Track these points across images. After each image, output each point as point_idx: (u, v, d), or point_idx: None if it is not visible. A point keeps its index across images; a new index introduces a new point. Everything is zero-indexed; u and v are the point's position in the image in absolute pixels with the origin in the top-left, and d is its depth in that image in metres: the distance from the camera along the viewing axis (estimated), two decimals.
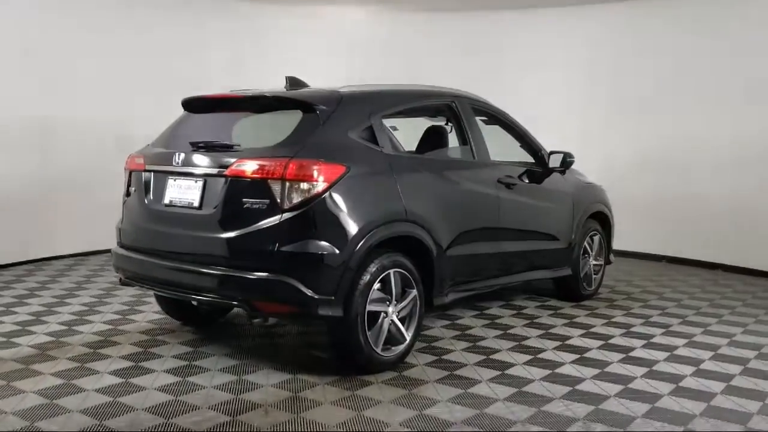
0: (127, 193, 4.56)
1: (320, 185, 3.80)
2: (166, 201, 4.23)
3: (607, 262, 6.64)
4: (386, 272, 4.11)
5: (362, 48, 9.65)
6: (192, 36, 8.64)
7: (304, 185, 3.78)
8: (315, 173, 3.79)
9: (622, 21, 8.84)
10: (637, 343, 4.92)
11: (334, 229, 3.84)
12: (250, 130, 4.32)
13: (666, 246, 8.73)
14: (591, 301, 6.24)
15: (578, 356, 4.58)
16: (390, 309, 4.16)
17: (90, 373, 4.09)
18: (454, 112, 5.03)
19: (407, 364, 4.32)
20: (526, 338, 4.97)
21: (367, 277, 3.98)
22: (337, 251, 3.81)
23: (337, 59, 9.45)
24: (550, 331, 5.18)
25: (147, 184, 4.38)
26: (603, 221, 6.50)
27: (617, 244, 8.84)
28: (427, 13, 9.59)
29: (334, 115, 4.11)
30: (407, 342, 4.28)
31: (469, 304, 5.89)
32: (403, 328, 4.25)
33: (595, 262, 6.35)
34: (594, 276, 6.37)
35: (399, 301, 4.23)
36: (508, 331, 5.14)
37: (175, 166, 4.19)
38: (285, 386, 3.92)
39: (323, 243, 3.79)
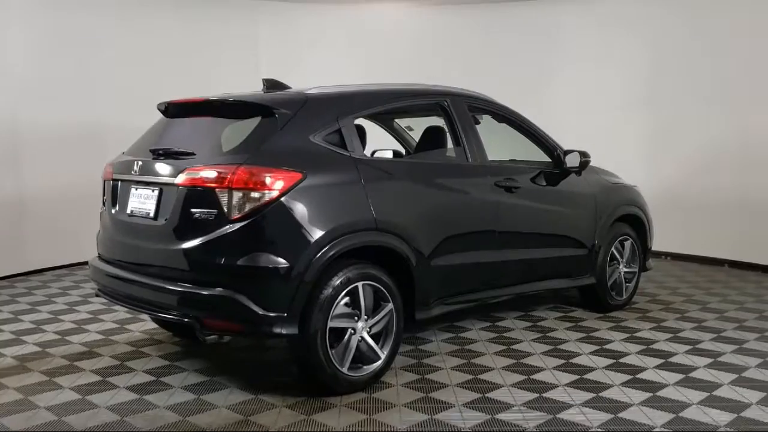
0: (103, 203, 4.47)
1: (270, 194, 3.55)
2: (128, 211, 4.09)
3: (643, 269, 6.08)
4: (354, 285, 3.82)
5: (404, 43, 9.35)
6: (203, 36, 8.63)
7: (253, 194, 3.54)
8: (264, 181, 3.55)
9: (688, 12, 8.22)
10: (651, 362, 4.41)
11: (286, 240, 3.58)
12: (218, 136, 4.10)
13: (732, 249, 8.02)
14: (621, 312, 5.72)
15: (578, 377, 4.14)
16: (359, 325, 3.86)
17: (52, 388, 3.99)
18: (446, 111, 4.67)
19: (383, 384, 4.02)
20: (528, 355, 4.55)
21: (328, 291, 3.70)
22: (289, 264, 3.55)
23: (368, 56, 9.20)
24: (559, 347, 4.74)
25: (114, 193, 4.26)
26: (636, 224, 5.95)
27: (679, 247, 8.33)
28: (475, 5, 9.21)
29: (296, 119, 3.85)
30: (382, 360, 3.98)
31: (483, 314, 5.51)
32: (375, 346, 3.94)
33: (626, 270, 5.82)
34: (626, 284, 5.84)
35: (370, 316, 3.92)
36: (512, 347, 4.74)
37: (133, 174, 4.05)
38: (241, 408, 3.69)
39: (272, 256, 3.54)
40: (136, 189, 4.05)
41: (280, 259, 3.53)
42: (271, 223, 3.55)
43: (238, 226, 3.53)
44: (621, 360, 4.46)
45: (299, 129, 3.83)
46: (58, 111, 7.46)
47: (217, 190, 3.56)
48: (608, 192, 5.66)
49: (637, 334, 5.06)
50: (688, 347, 4.73)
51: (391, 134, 6.16)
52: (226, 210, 3.54)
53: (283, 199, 3.57)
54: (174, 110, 4.32)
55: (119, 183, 4.23)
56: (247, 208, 3.53)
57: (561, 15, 9.04)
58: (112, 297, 4.19)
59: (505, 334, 5.03)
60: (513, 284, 4.96)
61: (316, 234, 3.64)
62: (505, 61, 9.20)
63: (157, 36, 8.26)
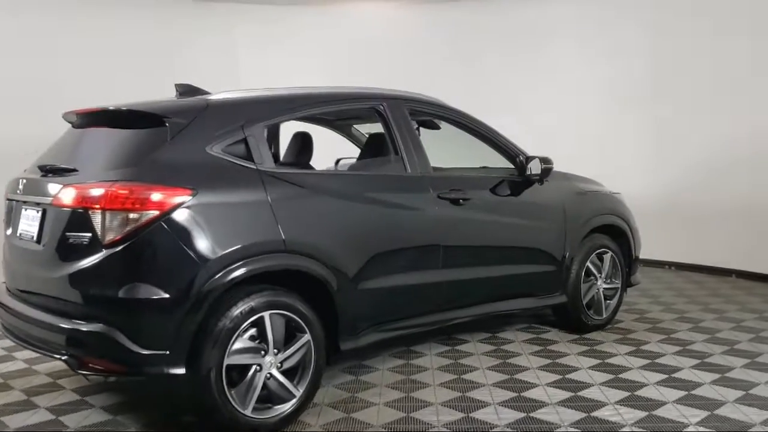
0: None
1: (148, 214, 3.12)
2: (18, 233, 3.71)
3: (628, 284, 5.52)
4: (259, 316, 3.38)
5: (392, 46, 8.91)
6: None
7: (131, 215, 3.12)
8: (142, 200, 3.12)
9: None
10: (614, 396, 3.88)
11: (166, 267, 3.16)
12: (109, 149, 3.67)
13: (742, 259, 7.41)
14: (599, 333, 5.17)
15: (525, 414, 3.63)
16: (267, 360, 3.41)
17: None
18: (382, 116, 4.20)
19: (302, 424, 3.57)
20: (476, 387, 4.06)
21: (225, 324, 3.26)
22: (168, 295, 3.12)
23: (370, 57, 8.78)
24: (515, 376, 4.23)
25: (9, 213, 3.89)
26: (618, 235, 5.40)
27: (684, 257, 7.73)
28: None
29: (190, 128, 3.42)
30: (296, 399, 3.52)
31: (447, 337, 5.02)
32: (288, 383, 3.49)
33: (606, 286, 5.27)
34: (607, 302, 5.29)
35: (282, 349, 3.47)
36: (463, 376, 4.24)
37: (18, 194, 3.68)
38: None
39: (148, 285, 3.11)
40: (25, 209, 3.67)
41: (158, 290, 3.11)
42: (148, 249, 3.13)
43: (111, 251, 3.11)
44: (580, 393, 3.94)
45: (194, 139, 3.40)
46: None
47: (90, 210, 3.15)
48: (581, 200, 5.12)
49: (610, 360, 4.52)
50: (661, 377, 4.19)
51: (352, 142, 5.72)
52: (99, 233, 3.12)
53: (164, 220, 3.14)
54: (77, 121, 3.92)
55: (13, 203, 3.85)
56: (122, 231, 3.11)
57: (550, 9, 8.51)
58: (10, 334, 3.77)
59: (460, 361, 4.53)
60: (466, 306, 4.46)
61: (205, 260, 3.20)
62: (502, 61, 8.72)
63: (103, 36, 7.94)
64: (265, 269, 3.40)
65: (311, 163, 4.58)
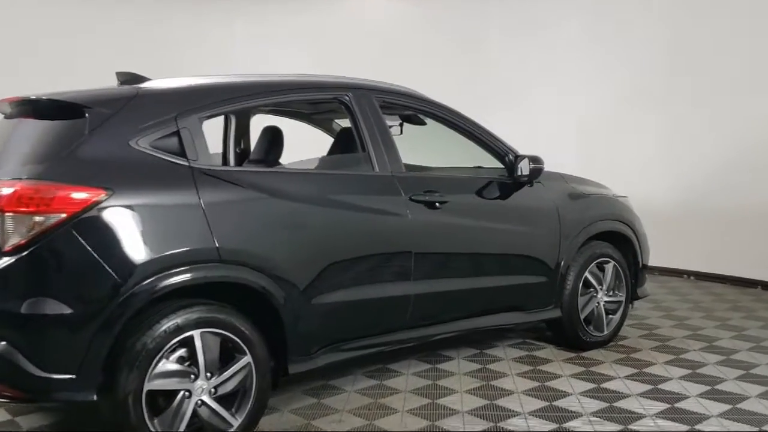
0: None
1: (55, 217, 2.72)
2: None
3: (634, 297, 4.99)
4: (188, 334, 2.95)
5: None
6: None
7: (35, 218, 2.72)
8: (47, 201, 2.72)
9: None
10: (604, 429, 3.38)
11: (73, 278, 2.76)
12: (27, 143, 3.26)
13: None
14: (599, 352, 4.66)
15: None
16: (197, 385, 2.98)
17: None
18: (348, 108, 3.75)
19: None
20: (450, 414, 3.58)
21: (144, 343, 2.85)
22: (74, 310, 2.71)
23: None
24: (496, 402, 3.75)
25: None
26: (622, 243, 4.88)
27: (705, 266, 7.16)
28: None
29: (114, 120, 3.01)
30: (235, 428, 3.08)
31: (430, 351, 4.55)
32: (224, 411, 3.05)
33: (608, 299, 4.75)
34: (609, 316, 4.78)
35: (217, 372, 3.04)
36: (437, 401, 3.77)
37: None
38: None
39: (51, 299, 2.71)
40: None
41: (61, 304, 2.70)
42: (54, 257, 2.73)
43: (12, 259, 2.71)
44: (566, 424, 3.44)
45: (116, 132, 2.99)
46: None
47: None
48: (579, 204, 4.62)
49: (606, 385, 4.02)
50: (663, 406, 3.68)
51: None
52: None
53: (73, 224, 2.73)
54: (8, 111, 3.53)
55: None
56: (25, 236, 2.70)
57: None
58: None
59: (439, 382, 4.06)
60: (442, 322, 4.00)
61: (121, 270, 2.79)
62: (506, 55, 8.23)
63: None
64: (192, 282, 2.97)
65: (281, 160, 4.18)
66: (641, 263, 4.98)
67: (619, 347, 4.77)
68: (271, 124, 4.27)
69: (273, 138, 4.17)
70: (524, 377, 4.14)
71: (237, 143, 4.68)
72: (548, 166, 4.31)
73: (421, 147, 4.65)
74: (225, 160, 4.53)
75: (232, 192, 3.16)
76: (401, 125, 4.62)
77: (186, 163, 3.08)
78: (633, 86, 7.58)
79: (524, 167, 4.16)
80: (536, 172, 4.17)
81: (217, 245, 3.02)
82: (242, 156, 4.66)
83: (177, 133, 3.10)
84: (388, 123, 4.01)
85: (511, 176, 4.23)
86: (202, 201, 3.03)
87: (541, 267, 4.35)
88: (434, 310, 3.92)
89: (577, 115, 7.91)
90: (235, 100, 3.46)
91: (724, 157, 7.01)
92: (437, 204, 3.81)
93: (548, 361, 4.46)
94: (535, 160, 4.15)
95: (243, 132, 4.70)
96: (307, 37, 8.56)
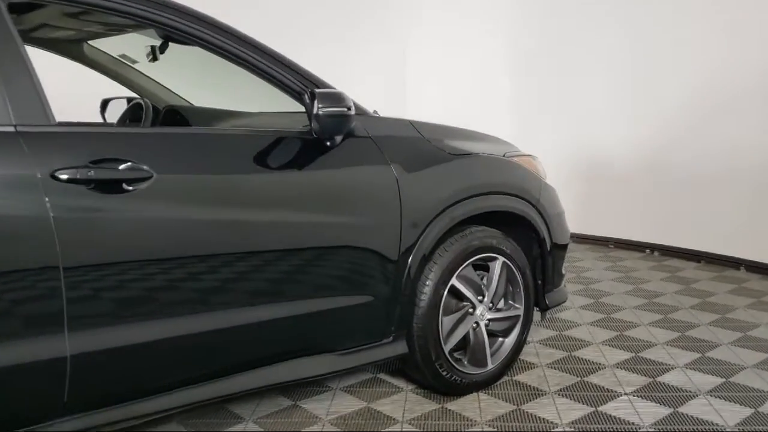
0: None
1: None
2: None
3: (542, 306, 3.34)
4: None
5: None
6: None
7: None
8: None
9: None
10: None
11: None
12: None
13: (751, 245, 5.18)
14: (478, 397, 3.02)
15: None
16: None
17: None
18: None
19: None
20: None
21: None
22: None
23: None
24: None
25: None
26: (520, 228, 3.20)
27: (672, 238, 5.51)
28: None
29: None
30: None
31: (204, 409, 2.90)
32: None
33: (495, 315, 3.08)
34: (500, 340, 3.15)
35: None
36: None
37: None
38: None
39: None
40: None
41: None
42: None
43: None
44: None
45: None
46: None
47: None
48: (439, 172, 2.89)
49: None
50: None
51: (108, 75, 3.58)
52: None
53: None
54: None
55: None
56: None
57: None
58: None
59: None
60: (152, 391, 2.27)
61: None
62: None
63: None
64: None
65: None
66: (551, 258, 3.29)
67: (514, 386, 3.12)
68: None
69: None
70: None
71: None
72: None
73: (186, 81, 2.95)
74: None
75: None
76: (158, 48, 2.91)
77: None
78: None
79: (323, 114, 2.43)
80: (339, 124, 2.45)
81: None
82: None
83: None
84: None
85: (311, 131, 2.50)
86: None
87: (363, 279, 2.66)
88: (120, 378, 2.19)
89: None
90: None
91: (694, 104, 5.31)
92: (125, 185, 2.08)
93: (391, 420, 2.81)
94: (331, 98, 2.41)
95: None
96: None
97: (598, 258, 5.66)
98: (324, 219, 2.52)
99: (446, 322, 2.91)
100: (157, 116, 3.60)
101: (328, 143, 2.49)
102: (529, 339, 3.49)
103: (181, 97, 3.81)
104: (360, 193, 2.62)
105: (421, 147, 2.86)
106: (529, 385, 3.13)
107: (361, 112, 2.67)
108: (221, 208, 2.29)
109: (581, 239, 6.18)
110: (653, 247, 5.80)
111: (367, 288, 2.66)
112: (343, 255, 2.57)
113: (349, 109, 2.43)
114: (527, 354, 3.47)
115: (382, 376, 3.25)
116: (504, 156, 3.20)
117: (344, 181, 2.60)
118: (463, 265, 2.93)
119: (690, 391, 3.02)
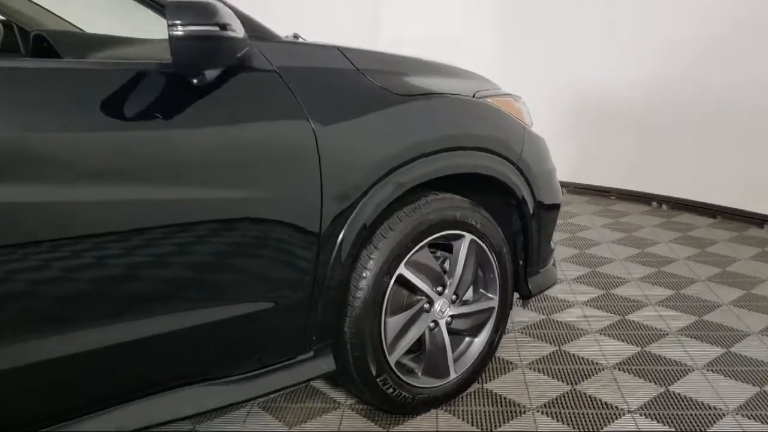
0: None
1: None
2: None
3: (524, 293, 2.59)
4: None
5: None
6: None
7: None
8: None
9: None
10: None
11: None
12: None
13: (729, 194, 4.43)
14: (437, 414, 2.28)
15: None
16: None
17: None
18: None
19: None
20: None
21: None
22: None
23: None
24: None
25: None
26: (496, 194, 2.42)
27: (679, 189, 4.75)
28: None
29: None
30: None
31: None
32: None
33: (460, 311, 2.33)
34: (467, 339, 2.41)
35: None
36: None
37: None
38: None
39: None
40: None
41: None
42: None
43: None
44: None
45: None
46: None
47: None
48: (378, 121, 2.07)
49: None
50: None
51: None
52: None
53: None
54: None
55: None
56: None
57: None
58: None
59: None
60: None
61: None
62: None
63: None
64: None
65: None
66: (534, 232, 2.51)
67: (486, 399, 2.39)
68: None
69: None
70: None
71: None
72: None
73: None
74: None
75: None
76: None
77: None
78: None
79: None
80: (194, 51, 1.63)
81: None
82: None
83: None
84: None
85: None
86: None
87: (260, 279, 1.87)
88: None
89: None
90: None
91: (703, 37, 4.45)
92: None
93: None
94: (191, 10, 1.59)
95: None
96: None
97: (597, 212, 4.89)
98: (194, 194, 1.71)
99: (392, 324, 2.16)
100: (27, 44, 2.77)
101: (195, 80, 1.68)
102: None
103: (69, 22, 2.98)
104: (251, 154, 1.81)
105: (353, 85, 2.04)
106: (505, 398, 2.40)
107: (260, 34, 1.85)
108: (41, 181, 1.49)
109: (578, 189, 5.41)
110: (661, 200, 5.03)
111: (269, 290, 1.88)
112: (226, 248, 1.78)
113: (221, 27, 1.60)
114: (504, 349, 2.74)
115: (317, 384, 2.52)
116: (474, 97, 2.38)
117: (226, 135, 1.77)
118: (415, 248, 2.15)
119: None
